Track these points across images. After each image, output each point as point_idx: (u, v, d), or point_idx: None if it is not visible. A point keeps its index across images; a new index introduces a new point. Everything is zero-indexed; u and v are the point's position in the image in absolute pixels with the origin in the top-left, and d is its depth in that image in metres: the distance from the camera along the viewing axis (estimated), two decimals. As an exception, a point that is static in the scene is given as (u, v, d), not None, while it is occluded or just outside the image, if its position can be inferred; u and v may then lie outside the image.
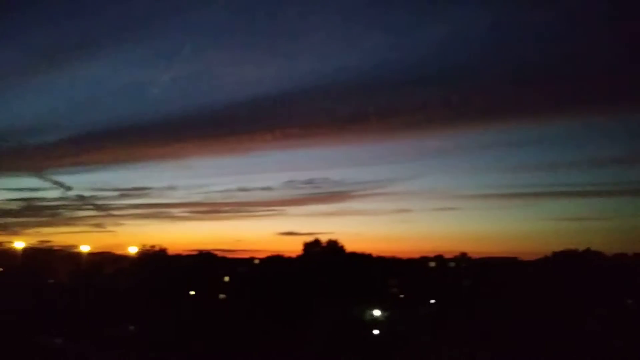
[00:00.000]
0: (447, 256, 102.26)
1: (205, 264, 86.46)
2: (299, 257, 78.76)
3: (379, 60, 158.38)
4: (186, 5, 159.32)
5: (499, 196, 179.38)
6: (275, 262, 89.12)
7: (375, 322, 56.77)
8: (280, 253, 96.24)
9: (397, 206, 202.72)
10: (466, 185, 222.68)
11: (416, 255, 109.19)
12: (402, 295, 75.11)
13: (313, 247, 76.82)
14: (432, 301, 68.04)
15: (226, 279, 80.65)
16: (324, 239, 77.16)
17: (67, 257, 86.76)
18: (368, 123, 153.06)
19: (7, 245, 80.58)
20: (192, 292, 68.68)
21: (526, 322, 46.51)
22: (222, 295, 70.30)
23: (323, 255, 74.70)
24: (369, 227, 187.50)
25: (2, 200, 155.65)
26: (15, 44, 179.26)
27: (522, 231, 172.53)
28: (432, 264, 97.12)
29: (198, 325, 48.01)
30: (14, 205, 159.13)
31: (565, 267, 68.63)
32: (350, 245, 78.61)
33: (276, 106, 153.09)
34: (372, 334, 52.43)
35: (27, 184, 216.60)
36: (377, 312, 58.83)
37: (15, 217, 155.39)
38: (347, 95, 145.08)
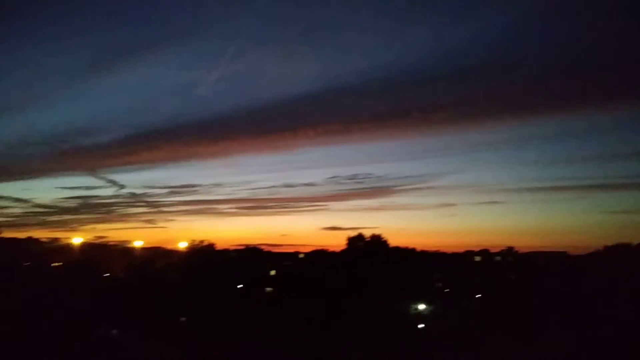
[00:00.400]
0: (492, 250, 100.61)
1: (252, 258, 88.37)
2: (342, 251, 79.08)
3: (420, 55, 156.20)
4: (230, 7, 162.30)
5: (546, 189, 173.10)
6: (320, 256, 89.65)
7: (420, 316, 56.79)
8: (324, 247, 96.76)
9: (441, 200, 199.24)
10: (511, 179, 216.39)
11: (461, 250, 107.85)
12: (446, 290, 74.55)
13: (356, 242, 76.97)
14: (478, 296, 67.30)
15: (272, 272, 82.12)
16: (367, 233, 77.26)
17: (121, 252, 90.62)
18: (410, 118, 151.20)
19: (66, 241, 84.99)
20: (240, 286, 70.41)
21: (577, 317, 45.52)
22: (268, 289, 71.71)
23: (366, 249, 74.83)
24: (413, 222, 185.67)
25: (61, 198, 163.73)
26: (71, 48, 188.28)
27: (570, 225, 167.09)
28: (478, 258, 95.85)
29: (246, 318, 49.37)
30: (71, 203, 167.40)
31: (618, 261, 66.40)
32: (393, 240, 78.23)
33: (319, 103, 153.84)
34: (417, 328, 52.52)
35: (83, 183, 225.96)
36: (421, 306, 58.81)
37: (73, 214, 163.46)
38: (389, 90, 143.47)
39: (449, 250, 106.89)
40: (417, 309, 58.74)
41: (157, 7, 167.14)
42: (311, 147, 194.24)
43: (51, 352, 40.89)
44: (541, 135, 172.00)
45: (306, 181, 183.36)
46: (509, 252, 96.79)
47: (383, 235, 76.11)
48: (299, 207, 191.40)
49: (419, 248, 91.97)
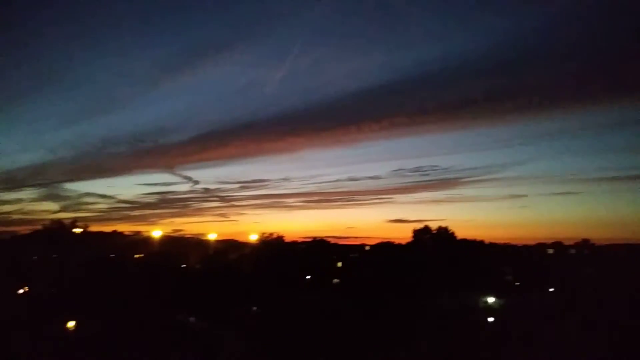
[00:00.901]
0: (566, 243, 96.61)
1: (319, 250, 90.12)
2: (408, 244, 79.05)
3: (487, 43, 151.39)
4: (294, 5, 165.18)
5: (624, 179, 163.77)
6: (386, 248, 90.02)
7: (490, 310, 55.94)
8: (390, 240, 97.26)
9: (511, 191, 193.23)
10: (586, 169, 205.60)
11: (532, 242, 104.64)
12: (517, 283, 72.68)
13: (423, 234, 76.69)
14: (551, 289, 65.16)
15: (339, 264, 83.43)
16: (433, 225, 76.79)
17: (197, 244, 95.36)
18: (477, 108, 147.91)
19: (146, 234, 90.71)
20: (308, 277, 72.21)
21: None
22: (335, 280, 73.01)
23: (433, 241, 74.40)
24: (481, 214, 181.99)
25: (141, 194, 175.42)
26: (148, 53, 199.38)
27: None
28: (550, 251, 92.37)
29: (314, 308, 50.84)
30: (151, 199, 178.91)
31: None
32: (461, 232, 77.68)
33: (383, 96, 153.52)
34: (487, 321, 51.84)
35: (161, 179, 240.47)
36: (491, 300, 57.89)
37: (152, 209, 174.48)
38: (454, 80, 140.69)
39: (520, 242, 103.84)
40: (486, 302, 57.84)
41: (226, 9, 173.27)
42: (375, 140, 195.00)
43: (136, 336, 44.27)
44: (617, 122, 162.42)
45: (371, 174, 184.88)
46: (584, 245, 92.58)
47: (450, 228, 75.53)
48: (364, 200, 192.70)
49: (487, 240, 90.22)
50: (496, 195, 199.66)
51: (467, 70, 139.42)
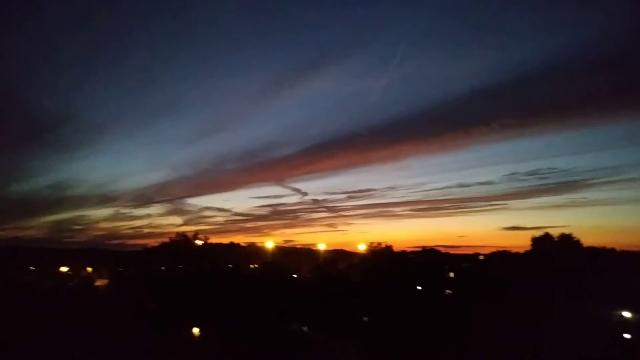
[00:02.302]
0: None
1: (430, 260, 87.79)
2: (527, 253, 74.42)
3: (601, 38, 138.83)
4: (395, 11, 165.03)
5: None
6: (502, 258, 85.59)
7: (626, 325, 50.43)
8: (506, 248, 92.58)
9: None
10: None
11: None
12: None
13: (543, 242, 71.75)
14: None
15: (451, 274, 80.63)
16: (554, 233, 71.58)
17: (307, 254, 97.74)
18: (596, 104, 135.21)
19: (260, 245, 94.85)
20: (419, 287, 70.52)
21: None
22: (448, 291, 70.57)
23: (555, 249, 69.18)
24: (609, 219, 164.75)
25: (254, 207, 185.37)
26: (257, 73, 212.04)
27: None
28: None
29: (426, 319, 49.41)
30: (263, 211, 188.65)
31: None
32: (586, 239, 71.04)
33: (492, 97, 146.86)
34: (623, 337, 46.81)
35: (272, 192, 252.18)
36: (626, 314, 52.19)
37: (265, 220, 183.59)
38: (570, 75, 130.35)
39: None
40: (621, 316, 52.23)
41: (327, 25, 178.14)
42: (485, 144, 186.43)
43: (253, 343, 46.13)
44: None
45: (482, 180, 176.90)
46: None
47: (574, 235, 69.76)
48: (475, 207, 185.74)
49: (618, 248, 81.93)
50: (626, 198, 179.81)
51: (582, 67, 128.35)
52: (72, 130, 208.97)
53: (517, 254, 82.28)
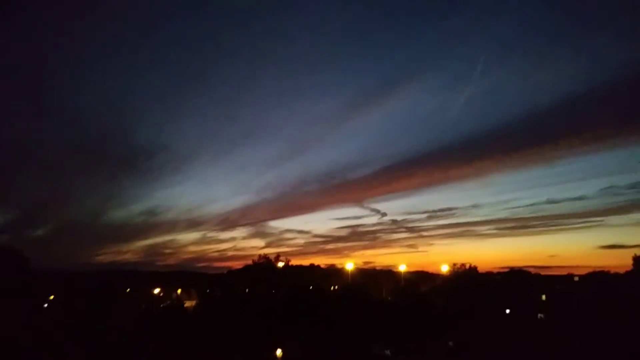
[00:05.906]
0: None
1: (518, 281, 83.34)
2: (628, 273, 68.78)
3: None
4: (474, 24, 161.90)
5: None
6: (599, 279, 79.71)
7: None
8: (604, 268, 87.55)
9: None
10: None
11: None
12: None
13: (647, 261, 66.04)
14: None
15: (543, 297, 76.08)
16: (661, 251, 65.66)
17: (387, 275, 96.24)
18: None
19: (340, 267, 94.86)
20: (508, 310, 67.09)
21: None
22: (540, 315, 66.55)
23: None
24: None
25: (334, 228, 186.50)
26: (330, 96, 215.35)
27: None
28: None
29: (515, 344, 46.76)
30: (342, 232, 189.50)
31: None
32: (701, 257, 64.41)
33: (581, 107, 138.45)
34: None
35: (351, 213, 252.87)
36: None
37: (344, 242, 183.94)
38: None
39: None
40: None
41: (402, 42, 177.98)
42: (576, 156, 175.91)
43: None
44: None
45: (574, 195, 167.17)
46: None
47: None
48: (567, 224, 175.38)
49: None
50: None
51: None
52: (163, 160, 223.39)
53: (616, 274, 77.06)
